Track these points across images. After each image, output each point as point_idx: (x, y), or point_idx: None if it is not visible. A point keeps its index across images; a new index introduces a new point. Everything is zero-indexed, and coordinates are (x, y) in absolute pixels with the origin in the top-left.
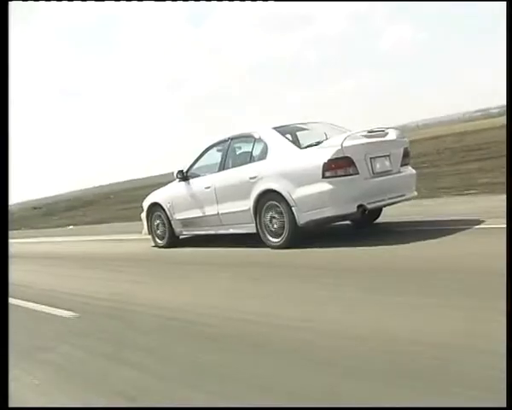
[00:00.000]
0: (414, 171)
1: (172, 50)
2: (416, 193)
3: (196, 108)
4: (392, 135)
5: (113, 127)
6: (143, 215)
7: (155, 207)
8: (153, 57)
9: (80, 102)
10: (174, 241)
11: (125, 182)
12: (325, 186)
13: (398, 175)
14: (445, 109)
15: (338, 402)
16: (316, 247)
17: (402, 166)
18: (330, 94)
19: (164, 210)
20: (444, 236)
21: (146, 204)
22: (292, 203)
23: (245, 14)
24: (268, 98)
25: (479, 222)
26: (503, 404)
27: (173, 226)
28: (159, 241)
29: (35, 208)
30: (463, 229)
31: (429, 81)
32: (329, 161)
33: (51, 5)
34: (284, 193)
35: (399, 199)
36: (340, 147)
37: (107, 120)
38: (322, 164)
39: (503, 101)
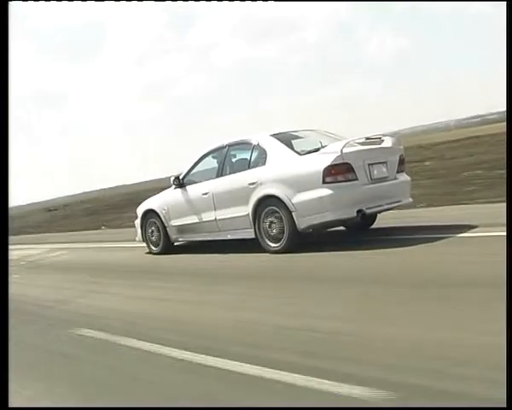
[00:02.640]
0: (409, 177)
1: (155, 53)
2: (410, 199)
3: (180, 112)
4: (388, 142)
5: (99, 132)
6: (137, 222)
7: (150, 213)
8: (135, 61)
9: (66, 105)
10: (169, 247)
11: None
12: (325, 191)
13: (395, 181)
14: (441, 116)
15: (338, 402)
16: (314, 251)
17: (398, 172)
18: (314, 101)
19: (159, 217)
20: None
21: (140, 211)
22: (292, 208)
23: (228, 18)
24: (251, 104)
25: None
26: (503, 404)
27: (168, 233)
28: (153, 248)
29: (50, 210)
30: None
31: (419, 87)
32: (330, 166)
33: (31, 6)
34: (284, 198)
35: (395, 205)
36: (339, 153)
37: (92, 125)
38: (322, 170)
39: (497, 107)
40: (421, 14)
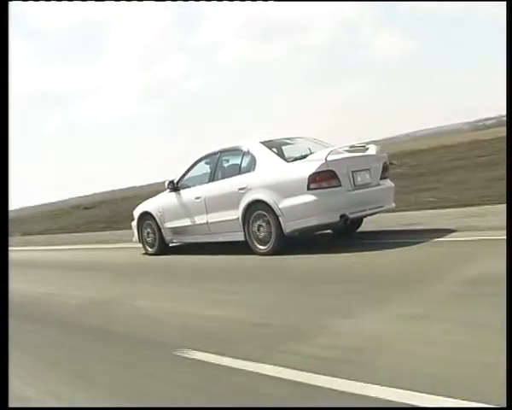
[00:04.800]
0: (392, 184)
1: (159, 53)
2: (394, 204)
3: (183, 113)
4: (372, 150)
5: (101, 134)
6: (134, 224)
7: (146, 216)
8: (138, 60)
9: (69, 106)
10: (164, 249)
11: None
12: (310, 197)
13: (378, 188)
14: (449, 118)
15: (338, 402)
16: (298, 254)
17: (381, 179)
18: (319, 102)
19: (154, 219)
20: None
21: (137, 213)
22: (278, 213)
23: (232, 18)
24: (255, 104)
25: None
26: (503, 404)
27: (163, 235)
28: (149, 249)
29: (86, 208)
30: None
31: (427, 89)
32: (314, 173)
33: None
34: (271, 203)
35: (379, 210)
36: (324, 161)
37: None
38: (307, 176)
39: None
40: (427, 15)
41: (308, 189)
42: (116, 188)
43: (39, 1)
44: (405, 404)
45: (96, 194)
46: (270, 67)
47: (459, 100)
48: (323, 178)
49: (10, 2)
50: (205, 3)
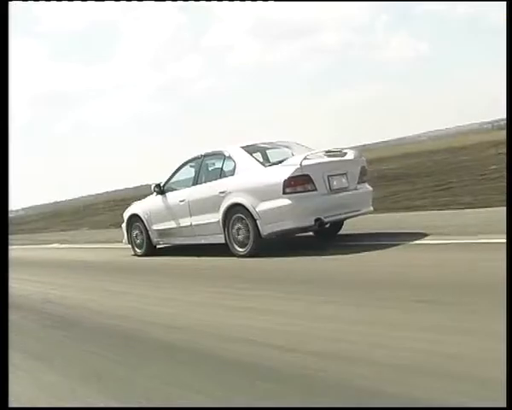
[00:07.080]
0: (370, 188)
1: (166, 52)
2: (372, 208)
3: (194, 114)
4: (350, 155)
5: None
6: (124, 226)
7: (134, 218)
8: (145, 61)
9: (80, 107)
10: (151, 250)
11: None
12: (285, 201)
13: (355, 192)
14: (464, 119)
15: (338, 402)
16: (275, 256)
17: (359, 183)
18: (330, 104)
19: (142, 221)
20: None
21: (126, 215)
22: (256, 216)
23: (243, 19)
24: (266, 106)
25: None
26: (503, 404)
27: (151, 236)
28: (137, 250)
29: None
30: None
31: (438, 91)
32: (289, 178)
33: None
34: (249, 207)
35: (355, 214)
36: (299, 166)
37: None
38: (282, 181)
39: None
40: (440, 16)
41: (283, 193)
42: (131, 186)
43: (39, 1)
44: (405, 404)
45: (107, 192)
46: (280, 69)
47: (473, 100)
48: (298, 183)
49: (13, 3)
50: (216, 4)
